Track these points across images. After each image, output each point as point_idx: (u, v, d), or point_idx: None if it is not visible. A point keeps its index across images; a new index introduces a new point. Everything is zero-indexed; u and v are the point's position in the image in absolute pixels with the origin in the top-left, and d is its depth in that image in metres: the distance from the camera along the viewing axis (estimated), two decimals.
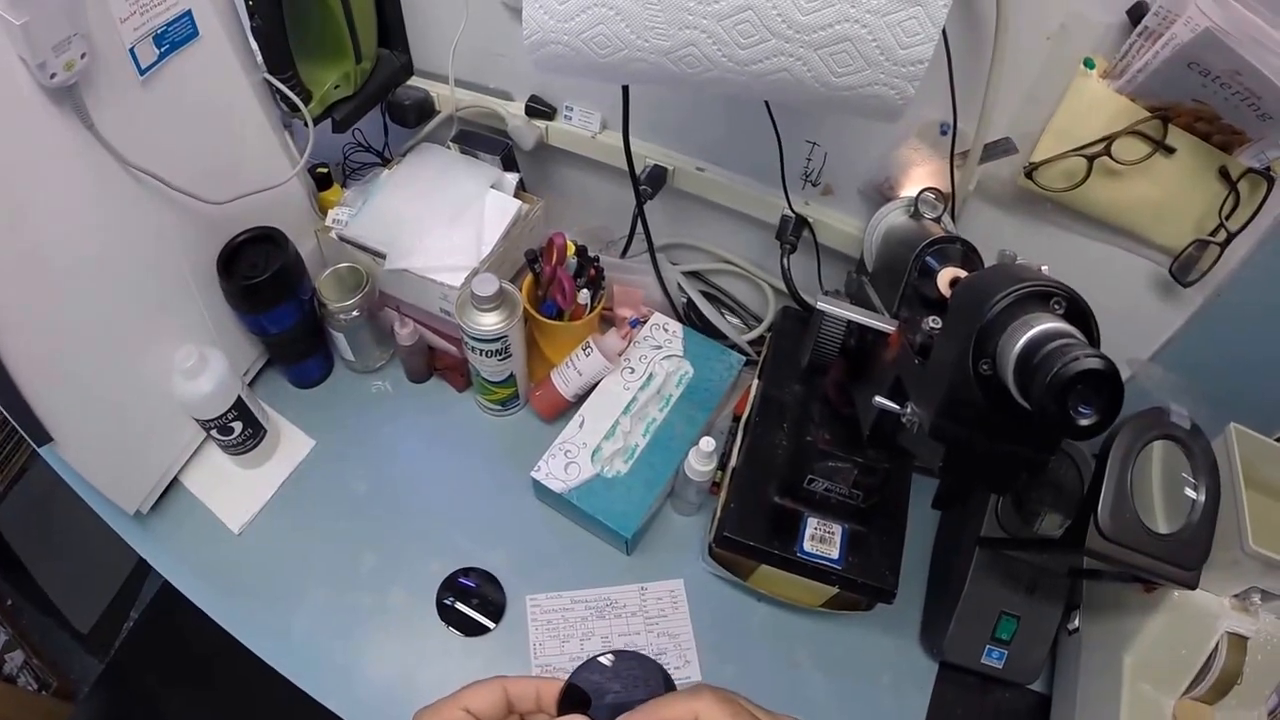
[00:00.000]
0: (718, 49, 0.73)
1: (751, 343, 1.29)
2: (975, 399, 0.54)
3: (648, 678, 0.56)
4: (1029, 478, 0.98)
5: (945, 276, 0.69)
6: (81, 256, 0.90)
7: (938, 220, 0.89)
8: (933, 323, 0.62)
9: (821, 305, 0.75)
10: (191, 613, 1.05)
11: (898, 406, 0.66)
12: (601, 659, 0.56)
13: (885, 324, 0.75)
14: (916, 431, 0.61)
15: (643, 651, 0.59)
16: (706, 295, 1.33)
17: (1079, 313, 0.52)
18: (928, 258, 0.76)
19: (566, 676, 0.54)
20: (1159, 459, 0.87)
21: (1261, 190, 0.82)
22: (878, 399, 0.67)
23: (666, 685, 0.55)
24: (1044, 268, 0.61)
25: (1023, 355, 0.49)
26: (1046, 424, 0.45)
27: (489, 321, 1.05)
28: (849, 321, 0.80)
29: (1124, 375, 0.98)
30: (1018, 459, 0.58)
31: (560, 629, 1.03)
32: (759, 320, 1.31)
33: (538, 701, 0.55)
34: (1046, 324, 0.49)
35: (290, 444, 1.21)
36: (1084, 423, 0.45)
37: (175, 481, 1.15)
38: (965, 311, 0.55)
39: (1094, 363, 0.44)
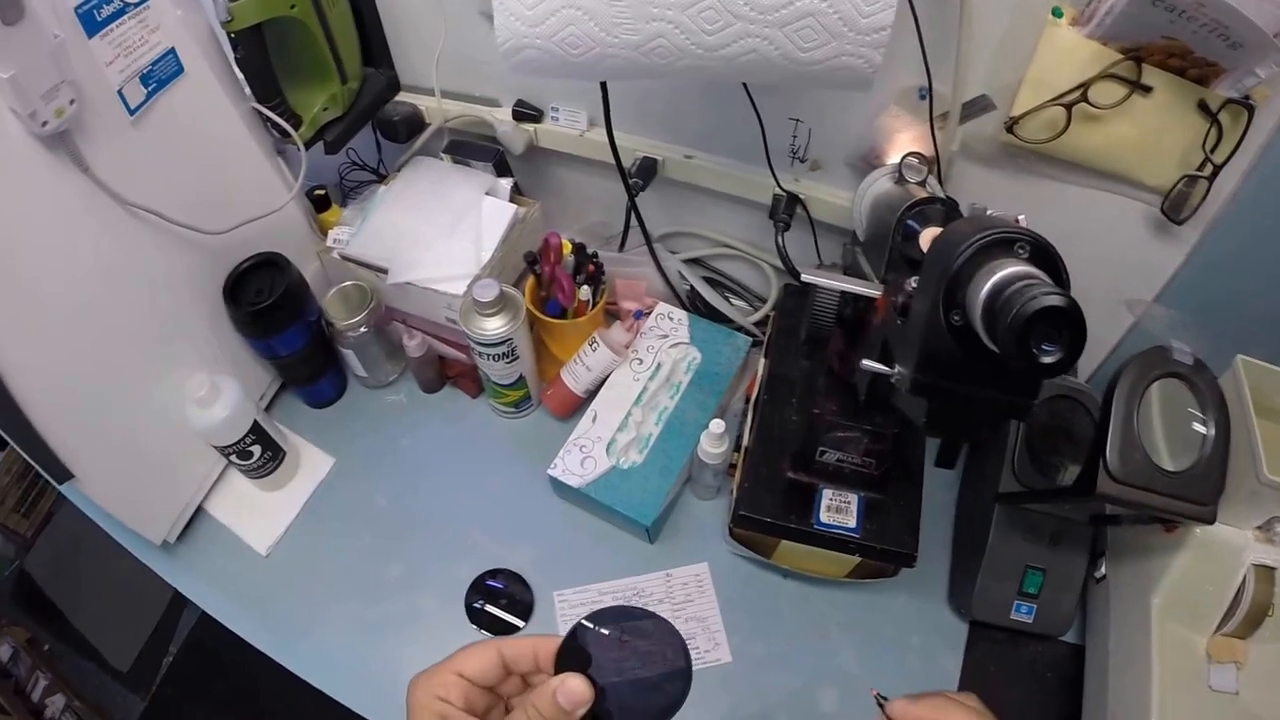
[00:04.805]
0: (685, 38, 0.75)
1: (758, 323, 1.31)
2: (950, 350, 0.56)
3: (663, 648, 0.55)
4: (1046, 427, 1.01)
5: (926, 237, 0.71)
6: (87, 295, 0.93)
7: (922, 184, 0.91)
8: (913, 283, 0.63)
9: (807, 277, 0.78)
10: (230, 643, 1.09)
11: (886, 368, 0.68)
12: (604, 631, 0.56)
13: (870, 289, 0.77)
14: (904, 390, 0.63)
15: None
16: (709, 280, 1.35)
17: (1045, 255, 0.54)
18: (909, 220, 0.78)
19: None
20: (1165, 398, 0.87)
21: (1243, 120, 0.83)
22: (865, 362, 0.69)
23: (685, 655, 0.55)
24: (1020, 217, 0.63)
25: (988, 300, 0.51)
26: (1014, 366, 0.47)
27: (493, 326, 1.08)
28: (841, 292, 0.83)
29: (1126, 319, 1.01)
30: (1000, 406, 0.60)
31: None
32: (763, 301, 1.33)
33: (535, 661, 0.56)
34: (1010, 268, 0.51)
35: (311, 463, 1.24)
36: (1047, 360, 0.47)
37: (200, 509, 1.19)
38: (935, 265, 0.57)
39: (1053, 300, 0.46)
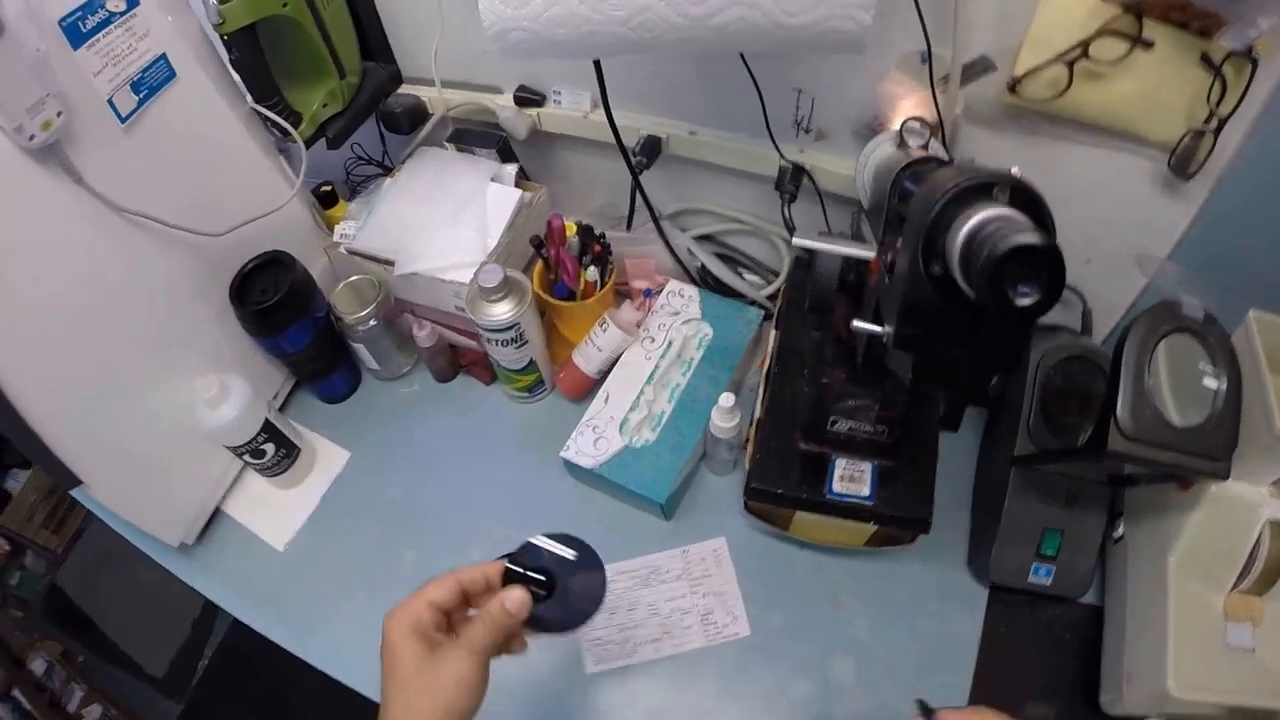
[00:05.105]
0: (672, 10, 0.77)
1: (771, 297, 1.32)
2: (931, 301, 0.56)
3: (584, 564, 0.78)
4: (1061, 389, 1.01)
5: None
6: (86, 302, 0.95)
7: (924, 148, 0.91)
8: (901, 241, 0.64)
9: (797, 241, 0.78)
10: (263, 644, 1.11)
11: (878, 328, 0.69)
12: (537, 553, 0.77)
13: (864, 251, 0.78)
14: (890, 346, 0.64)
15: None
16: (722, 256, 1.36)
17: (1027, 198, 0.54)
18: (904, 182, 0.78)
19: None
20: (1175, 353, 0.87)
21: (1246, 72, 0.82)
22: (856, 323, 0.70)
23: (599, 566, 0.79)
24: (1014, 169, 0.64)
25: (963, 246, 0.51)
26: (990, 311, 0.48)
27: (500, 311, 1.10)
28: (843, 257, 0.84)
29: (1141, 278, 1.00)
30: (984, 358, 0.61)
31: (606, 602, 1.07)
32: (775, 274, 1.34)
33: (485, 583, 0.74)
34: (987, 211, 0.51)
35: (326, 459, 1.27)
36: (1023, 302, 0.47)
37: (218, 511, 1.22)
38: (915, 215, 0.57)
39: (1027, 237, 0.46)
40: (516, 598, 0.71)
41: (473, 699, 0.67)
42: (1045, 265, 0.47)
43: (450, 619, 0.73)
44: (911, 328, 0.60)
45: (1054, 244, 0.47)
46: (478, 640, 0.68)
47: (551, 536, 0.78)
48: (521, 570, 0.74)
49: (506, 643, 0.73)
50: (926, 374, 0.63)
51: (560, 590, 0.75)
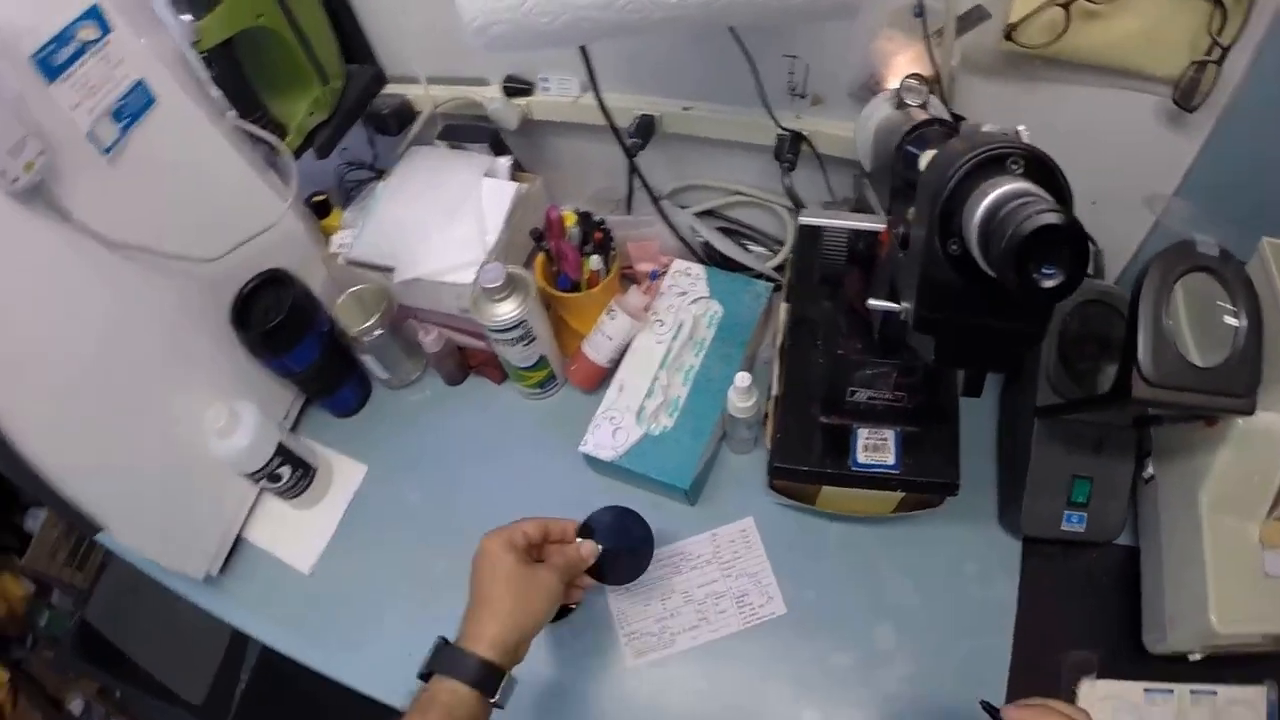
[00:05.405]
0: None
1: (779, 267, 1.32)
2: (950, 281, 0.56)
3: (639, 533, 0.99)
4: (1077, 335, 1.00)
5: (924, 161, 0.70)
6: (89, 344, 0.95)
7: (924, 106, 0.90)
8: (913, 212, 0.63)
9: (804, 219, 0.78)
10: (298, 661, 1.12)
11: (894, 305, 0.68)
12: (604, 519, 0.99)
13: (872, 223, 0.77)
14: (911, 325, 0.63)
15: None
16: (726, 231, 1.36)
17: (1041, 168, 0.53)
18: (908, 147, 0.77)
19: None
20: (1193, 293, 0.87)
21: None
22: (871, 301, 0.69)
23: (649, 537, 1.00)
24: (1020, 129, 0.63)
25: (982, 224, 0.50)
26: (1015, 293, 0.47)
27: (505, 310, 1.09)
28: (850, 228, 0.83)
29: (1149, 217, 1.00)
30: (1009, 336, 0.60)
31: (640, 593, 1.09)
32: (781, 244, 1.34)
33: (564, 533, 0.95)
34: (1003, 187, 0.50)
35: (344, 475, 1.27)
36: (1048, 284, 0.46)
37: (240, 539, 1.22)
38: (928, 191, 0.57)
39: (1050, 217, 0.45)
40: (590, 548, 0.94)
41: (552, 608, 0.87)
42: (1068, 244, 0.46)
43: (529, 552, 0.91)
44: (932, 309, 0.59)
45: (1076, 221, 0.46)
46: (560, 566, 0.90)
47: (608, 509, 1.00)
48: (600, 516, 0.99)
49: (569, 590, 0.93)
50: (951, 355, 0.62)
51: (617, 548, 0.97)
